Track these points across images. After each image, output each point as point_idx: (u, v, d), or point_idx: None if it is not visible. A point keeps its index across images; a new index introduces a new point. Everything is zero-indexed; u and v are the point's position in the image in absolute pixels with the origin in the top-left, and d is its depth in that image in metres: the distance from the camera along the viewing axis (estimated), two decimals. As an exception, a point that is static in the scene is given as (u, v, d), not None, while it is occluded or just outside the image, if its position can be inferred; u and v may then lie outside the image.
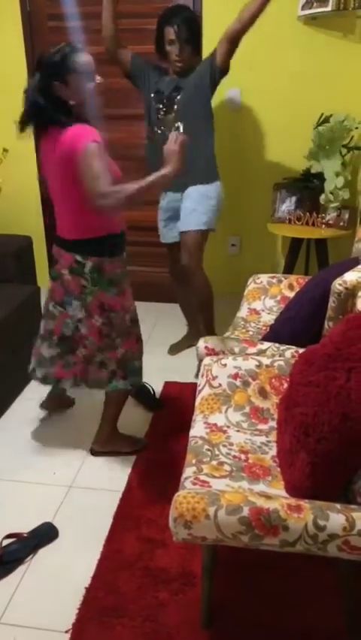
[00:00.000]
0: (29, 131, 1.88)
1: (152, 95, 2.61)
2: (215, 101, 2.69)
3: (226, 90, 3.06)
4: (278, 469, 1.46)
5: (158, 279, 3.44)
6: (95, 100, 1.83)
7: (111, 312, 1.97)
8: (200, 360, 1.87)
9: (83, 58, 1.79)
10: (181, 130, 2.56)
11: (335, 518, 1.16)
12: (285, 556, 1.30)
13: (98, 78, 1.83)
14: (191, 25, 2.49)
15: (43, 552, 1.75)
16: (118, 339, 2.01)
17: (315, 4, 2.85)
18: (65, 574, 1.68)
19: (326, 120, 2.92)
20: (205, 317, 2.81)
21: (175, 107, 2.56)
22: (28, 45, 3.26)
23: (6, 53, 3.32)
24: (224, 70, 2.51)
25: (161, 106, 2.60)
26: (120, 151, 3.38)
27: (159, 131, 2.63)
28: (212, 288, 2.77)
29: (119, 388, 2.08)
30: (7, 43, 3.29)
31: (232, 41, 2.40)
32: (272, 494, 1.28)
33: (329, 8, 2.79)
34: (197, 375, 2.66)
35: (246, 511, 1.17)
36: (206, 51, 2.66)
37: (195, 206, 2.62)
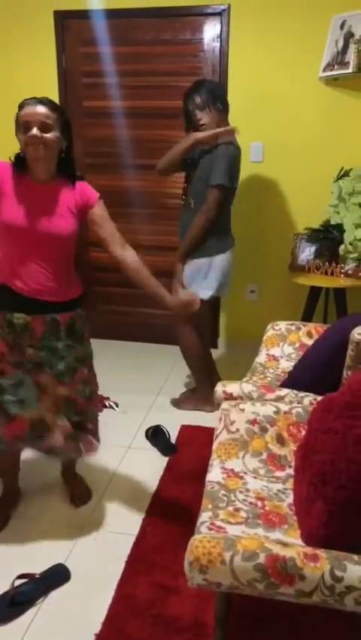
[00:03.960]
0: None
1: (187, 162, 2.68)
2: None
3: (249, 143, 3.19)
4: (295, 518, 1.44)
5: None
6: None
7: None
8: (218, 404, 1.88)
9: (23, 111, 1.70)
10: (192, 205, 2.62)
11: (353, 570, 1.15)
12: (301, 610, 1.28)
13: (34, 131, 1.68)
14: (205, 91, 2.56)
15: (54, 594, 1.73)
16: None
17: (336, 67, 3.00)
18: (75, 618, 1.65)
19: (346, 174, 3.01)
20: (193, 372, 2.90)
21: (191, 181, 2.66)
22: (62, 101, 3.42)
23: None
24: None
25: (186, 177, 2.72)
26: (149, 199, 3.53)
27: (182, 200, 2.75)
28: (197, 348, 2.81)
29: None
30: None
31: None
32: (288, 542, 1.27)
33: (349, 70, 2.94)
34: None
35: (262, 558, 1.16)
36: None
37: (187, 279, 2.70)
